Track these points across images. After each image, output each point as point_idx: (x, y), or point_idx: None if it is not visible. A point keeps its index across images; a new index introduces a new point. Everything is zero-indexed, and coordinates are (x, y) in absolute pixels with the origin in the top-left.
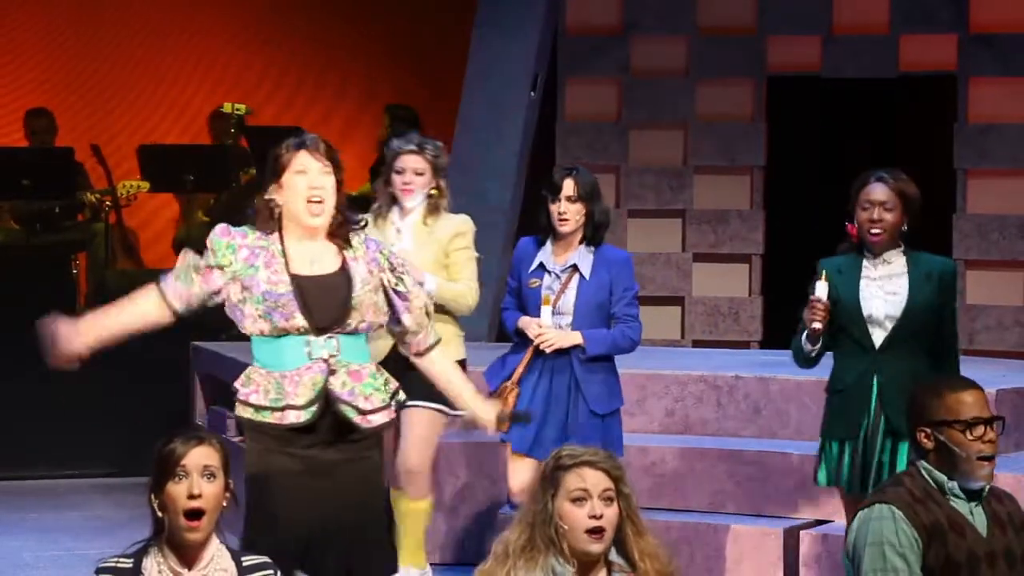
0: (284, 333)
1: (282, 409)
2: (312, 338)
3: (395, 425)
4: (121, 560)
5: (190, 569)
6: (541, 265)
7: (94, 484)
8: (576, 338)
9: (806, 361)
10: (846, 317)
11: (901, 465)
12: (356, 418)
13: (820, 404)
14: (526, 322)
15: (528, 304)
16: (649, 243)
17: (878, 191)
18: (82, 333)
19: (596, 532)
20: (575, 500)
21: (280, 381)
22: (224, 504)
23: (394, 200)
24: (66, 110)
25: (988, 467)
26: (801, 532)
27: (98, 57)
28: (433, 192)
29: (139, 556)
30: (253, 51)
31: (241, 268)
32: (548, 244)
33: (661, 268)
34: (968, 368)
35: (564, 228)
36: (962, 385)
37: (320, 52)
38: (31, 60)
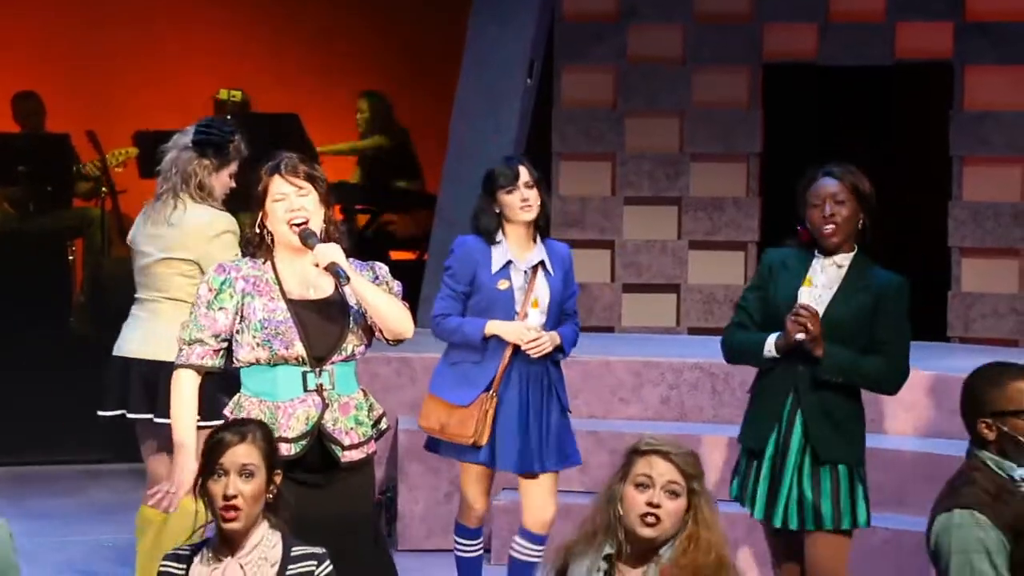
0: (281, 362)
1: None
2: (307, 369)
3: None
4: (185, 548)
5: (232, 556)
6: (507, 265)
7: (87, 470)
8: (556, 339)
9: (756, 364)
10: (776, 317)
11: (825, 497)
12: (340, 453)
13: None
14: (508, 327)
15: (495, 307)
16: (645, 230)
17: (827, 185)
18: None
19: (649, 517)
20: (638, 485)
21: (273, 411)
22: (269, 497)
23: None
24: (62, 97)
25: None
26: None
27: (94, 43)
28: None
29: (200, 544)
30: (250, 37)
31: (240, 299)
32: (504, 243)
33: (657, 255)
34: (963, 357)
35: (529, 215)
36: (1020, 373)
37: (317, 38)
38: (26, 47)
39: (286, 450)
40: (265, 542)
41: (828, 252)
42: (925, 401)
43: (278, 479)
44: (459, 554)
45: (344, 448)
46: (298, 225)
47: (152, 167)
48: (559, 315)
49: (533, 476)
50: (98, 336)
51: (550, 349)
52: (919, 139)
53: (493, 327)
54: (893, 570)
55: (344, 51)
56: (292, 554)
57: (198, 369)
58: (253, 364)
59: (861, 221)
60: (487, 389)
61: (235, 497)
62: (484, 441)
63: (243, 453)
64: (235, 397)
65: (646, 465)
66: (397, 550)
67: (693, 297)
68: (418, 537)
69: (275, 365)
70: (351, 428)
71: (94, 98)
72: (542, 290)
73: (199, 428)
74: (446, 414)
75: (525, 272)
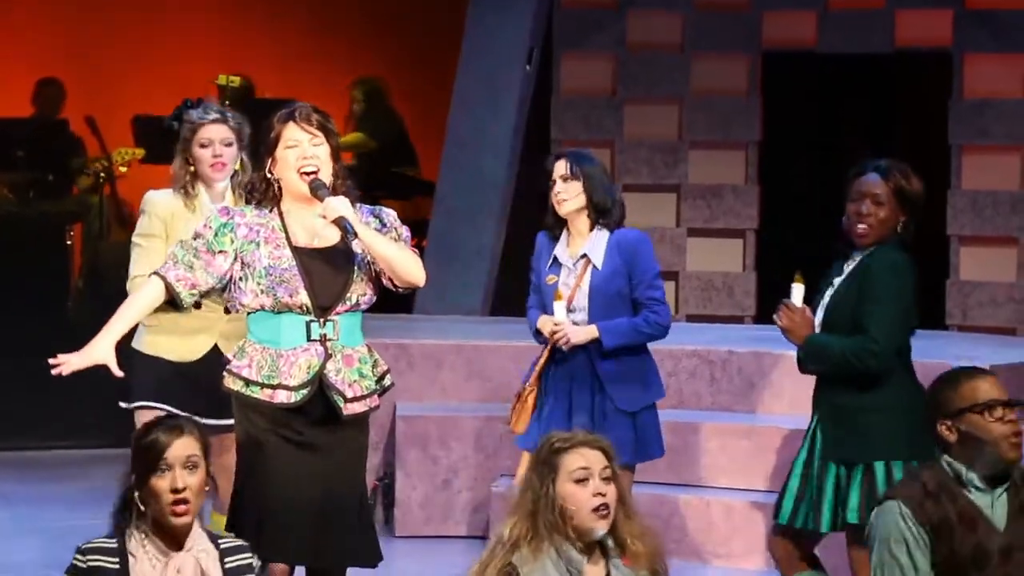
0: (285, 310)
1: (274, 387)
2: (312, 318)
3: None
4: (105, 541)
5: (179, 550)
6: (556, 259)
7: (88, 455)
8: (592, 332)
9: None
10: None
11: (853, 498)
12: (342, 405)
13: (813, 378)
14: (543, 321)
15: (547, 301)
16: (644, 218)
17: (870, 182)
18: (97, 346)
19: (601, 509)
20: (578, 480)
21: (276, 359)
22: (207, 489)
23: (196, 178)
24: (63, 82)
25: (1017, 447)
26: None
27: (96, 29)
28: (237, 168)
29: (120, 537)
30: (250, 23)
31: (241, 245)
32: (563, 237)
33: (655, 243)
34: (961, 345)
35: (563, 208)
36: (975, 373)
37: (319, 25)
38: (29, 32)
39: (286, 398)
40: (200, 535)
41: (857, 250)
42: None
43: (211, 470)
44: None
45: (347, 400)
46: (308, 174)
47: (152, 153)
48: (613, 307)
49: None
50: (96, 321)
51: (579, 341)
52: (918, 127)
53: (540, 321)
54: None
55: (343, 38)
56: (222, 546)
57: (168, 288)
58: (258, 311)
59: (902, 223)
60: (527, 380)
61: (184, 490)
62: (518, 430)
63: (185, 445)
64: (240, 343)
65: (579, 458)
66: (395, 536)
67: (692, 284)
68: (416, 523)
69: (279, 313)
70: (355, 380)
71: (93, 84)
72: (584, 284)
73: (210, 427)
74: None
75: (571, 267)
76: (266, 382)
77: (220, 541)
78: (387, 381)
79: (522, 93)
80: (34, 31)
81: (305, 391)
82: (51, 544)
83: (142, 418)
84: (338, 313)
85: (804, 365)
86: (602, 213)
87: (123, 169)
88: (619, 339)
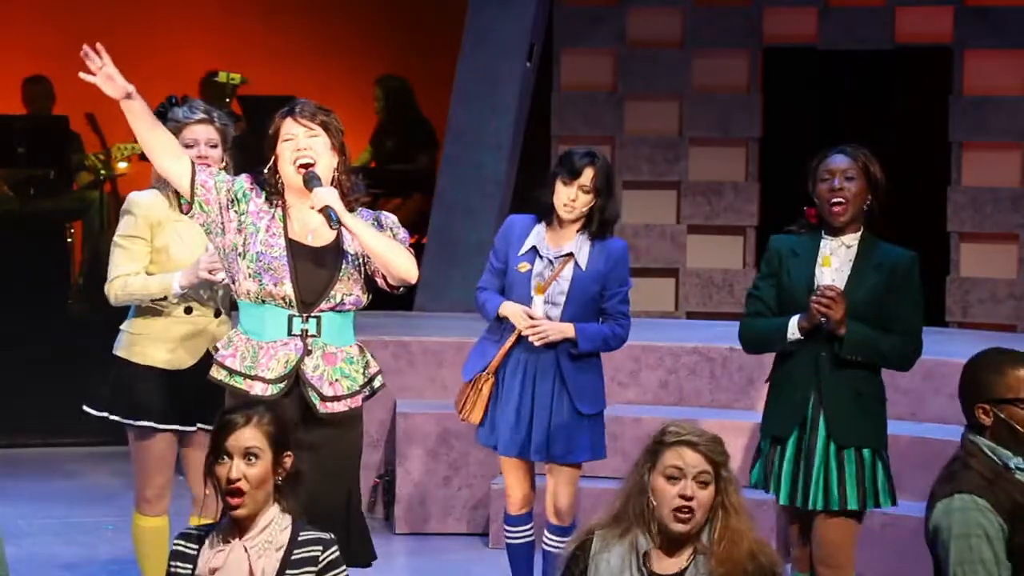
0: (269, 299)
1: (252, 378)
2: (295, 313)
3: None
4: (196, 529)
5: (240, 538)
6: (533, 249)
7: (90, 452)
8: (568, 331)
9: (780, 348)
10: (794, 303)
11: (851, 479)
12: (318, 403)
13: None
14: (513, 310)
15: (512, 289)
16: (644, 214)
17: (838, 160)
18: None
19: (683, 511)
20: (669, 477)
21: (257, 350)
22: (279, 478)
23: None
24: (60, 78)
25: None
26: None
27: (93, 24)
28: (222, 169)
29: (211, 527)
30: (249, 18)
31: (246, 219)
32: (542, 227)
33: (655, 239)
34: (962, 341)
35: (568, 216)
36: (1021, 361)
37: (316, 20)
38: (24, 27)
39: (261, 390)
40: (275, 525)
41: (835, 231)
42: (923, 386)
43: (287, 462)
44: (505, 540)
45: (323, 398)
46: (304, 166)
47: None
48: (585, 310)
49: (557, 465)
50: (96, 319)
51: (554, 339)
52: (918, 124)
53: (505, 307)
54: (892, 555)
55: (342, 33)
56: (300, 538)
57: (191, 172)
58: (244, 298)
59: (869, 202)
60: (485, 369)
61: (239, 480)
62: (473, 419)
63: (247, 436)
64: (229, 332)
65: (676, 456)
66: (395, 533)
67: (692, 281)
68: (416, 521)
69: (263, 303)
70: (336, 379)
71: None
72: (563, 281)
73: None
74: (460, 388)
75: (551, 260)
76: (246, 372)
77: (302, 533)
78: (377, 383)
79: (522, 89)
80: (32, 27)
81: (281, 385)
82: (51, 542)
83: (143, 436)
84: (321, 310)
85: (845, 353)
86: (603, 226)
87: (122, 166)
88: (591, 344)
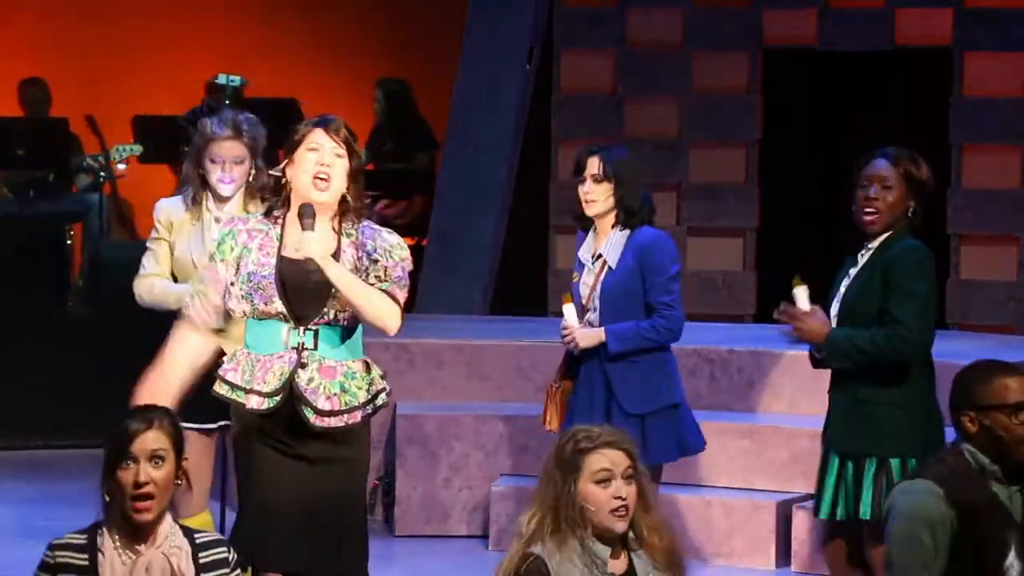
0: (266, 317)
1: (249, 391)
2: (290, 326)
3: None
4: (74, 536)
5: (145, 545)
6: (579, 260)
7: (88, 454)
8: (599, 336)
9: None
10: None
11: (866, 493)
12: (312, 417)
13: (813, 376)
14: (563, 322)
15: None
16: None
17: (878, 167)
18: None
19: (620, 510)
20: (599, 481)
21: (253, 363)
22: (178, 484)
23: (204, 183)
24: (60, 81)
25: None
26: (794, 506)
27: (93, 27)
28: (250, 175)
29: (92, 532)
30: (249, 21)
31: (240, 252)
32: (590, 236)
33: None
34: (962, 343)
35: (590, 210)
36: (1008, 370)
37: (316, 22)
38: (25, 30)
39: (257, 403)
40: (173, 532)
41: (870, 238)
42: None
43: (186, 465)
44: None
45: (318, 412)
46: (321, 179)
47: (151, 152)
48: (626, 309)
49: None
50: (96, 321)
51: (586, 345)
52: (918, 125)
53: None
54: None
55: (343, 36)
56: (198, 541)
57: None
58: (243, 317)
59: (911, 209)
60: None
61: (147, 484)
62: (551, 426)
63: (152, 439)
64: (233, 350)
65: (602, 459)
66: (395, 535)
67: (691, 283)
68: (416, 522)
69: (262, 319)
70: (333, 394)
71: (92, 82)
72: (597, 285)
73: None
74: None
75: (592, 265)
76: (244, 386)
77: (196, 536)
78: (380, 400)
79: (522, 91)
80: (29, 29)
81: (277, 398)
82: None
83: None
84: (317, 324)
85: (824, 362)
86: (630, 215)
87: (121, 167)
88: (624, 344)
